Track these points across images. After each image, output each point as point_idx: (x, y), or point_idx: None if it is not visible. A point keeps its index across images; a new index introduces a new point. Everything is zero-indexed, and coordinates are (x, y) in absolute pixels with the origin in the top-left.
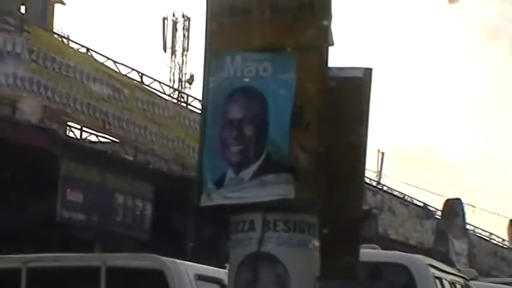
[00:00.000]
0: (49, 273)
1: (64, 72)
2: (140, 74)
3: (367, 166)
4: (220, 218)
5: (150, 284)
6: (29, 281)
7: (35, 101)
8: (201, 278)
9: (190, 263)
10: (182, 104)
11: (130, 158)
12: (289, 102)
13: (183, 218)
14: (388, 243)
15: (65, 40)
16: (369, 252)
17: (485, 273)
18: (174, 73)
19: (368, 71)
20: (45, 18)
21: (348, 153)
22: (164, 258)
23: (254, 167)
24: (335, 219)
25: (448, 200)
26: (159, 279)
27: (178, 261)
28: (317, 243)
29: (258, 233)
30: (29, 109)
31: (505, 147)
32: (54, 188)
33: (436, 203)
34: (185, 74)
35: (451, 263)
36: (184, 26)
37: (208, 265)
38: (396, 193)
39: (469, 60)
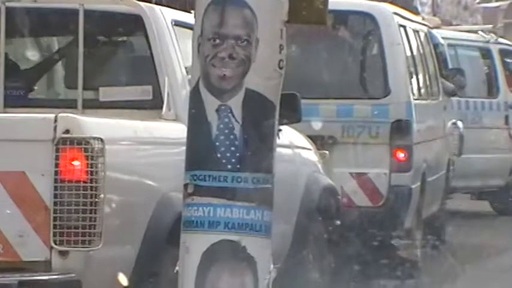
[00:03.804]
0: (28, 13)
1: None
2: None
3: None
4: None
5: (128, 29)
6: (8, 20)
7: None
8: (177, 23)
9: (167, 8)
10: None
11: None
12: None
13: None
14: None
15: None
16: (335, 0)
17: (447, 22)
18: None
19: None
20: None
21: None
22: (142, 3)
23: None
24: None
25: None
26: (137, 23)
27: (156, 6)
28: None
29: None
30: None
31: None
32: None
33: None
34: None
35: (415, 12)
36: None
37: None
38: None
39: None
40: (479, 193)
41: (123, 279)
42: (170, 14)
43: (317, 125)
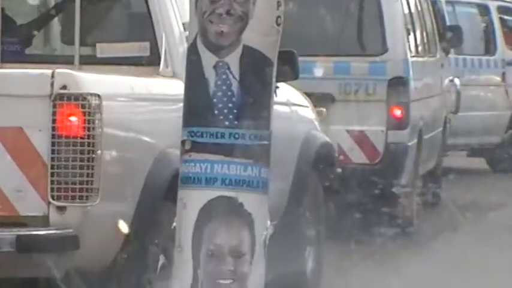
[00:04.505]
0: None
1: None
2: None
3: None
4: None
5: None
6: None
7: None
8: None
9: None
10: None
11: None
12: None
13: None
14: None
15: None
16: None
17: None
18: None
19: None
20: None
21: None
22: None
23: None
24: None
25: None
26: None
27: None
28: None
29: None
30: None
31: None
32: None
33: None
34: None
35: None
36: None
37: None
38: None
39: None
40: (476, 150)
41: (123, 226)
42: None
43: (314, 83)
